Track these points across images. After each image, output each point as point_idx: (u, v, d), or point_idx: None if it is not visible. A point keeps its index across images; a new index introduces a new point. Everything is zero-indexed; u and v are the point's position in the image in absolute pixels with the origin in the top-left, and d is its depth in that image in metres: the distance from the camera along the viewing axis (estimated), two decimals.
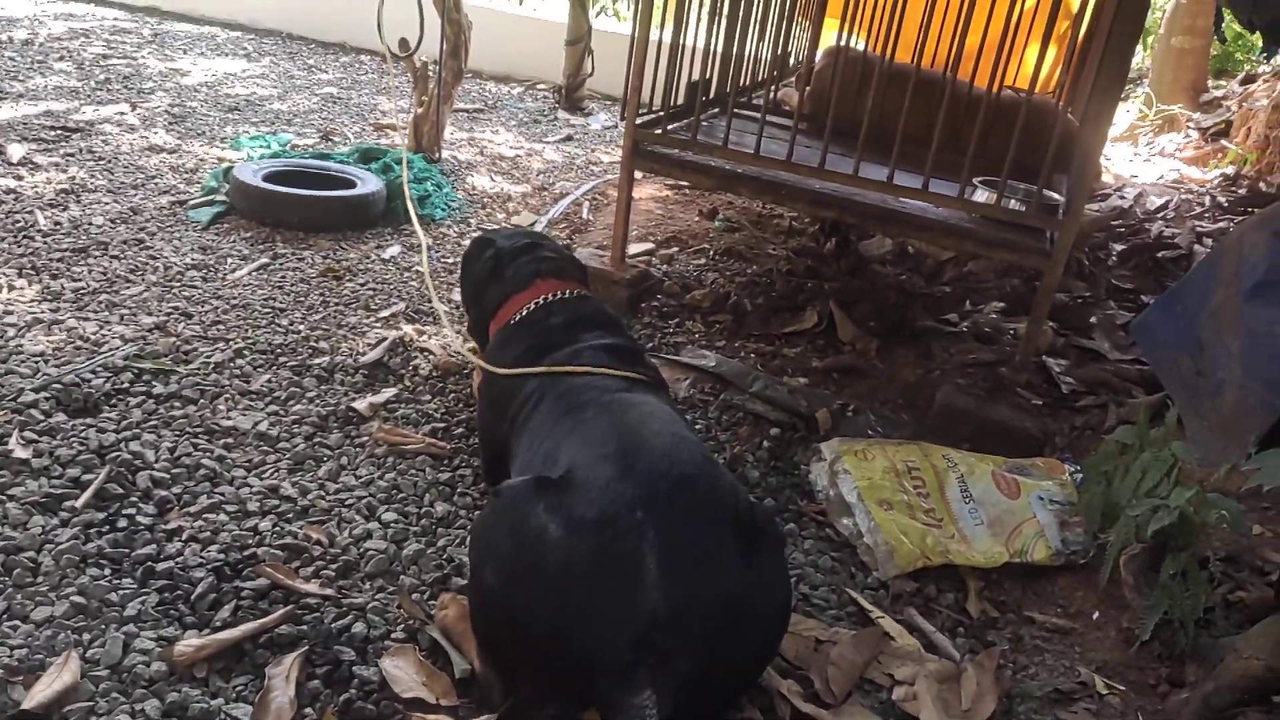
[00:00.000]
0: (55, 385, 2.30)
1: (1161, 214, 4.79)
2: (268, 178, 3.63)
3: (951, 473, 2.36)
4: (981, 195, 2.90)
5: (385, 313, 3.04)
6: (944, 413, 2.71)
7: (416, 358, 2.77)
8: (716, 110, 3.76)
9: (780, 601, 1.63)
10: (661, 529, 1.49)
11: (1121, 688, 1.91)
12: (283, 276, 3.19)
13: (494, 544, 1.59)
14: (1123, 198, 5.10)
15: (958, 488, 2.32)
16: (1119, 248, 4.23)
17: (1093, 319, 3.41)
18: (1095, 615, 2.11)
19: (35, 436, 2.13)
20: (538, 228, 4.03)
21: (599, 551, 1.47)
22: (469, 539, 1.74)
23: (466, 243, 3.72)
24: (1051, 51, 4.44)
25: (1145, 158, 6.42)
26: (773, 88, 4.11)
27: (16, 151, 3.86)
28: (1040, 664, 1.98)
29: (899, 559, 2.14)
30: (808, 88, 3.69)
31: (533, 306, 2.23)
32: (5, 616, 1.66)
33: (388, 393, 2.57)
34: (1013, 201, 2.86)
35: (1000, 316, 3.40)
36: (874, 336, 3.20)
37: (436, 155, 4.62)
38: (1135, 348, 3.24)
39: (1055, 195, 3.03)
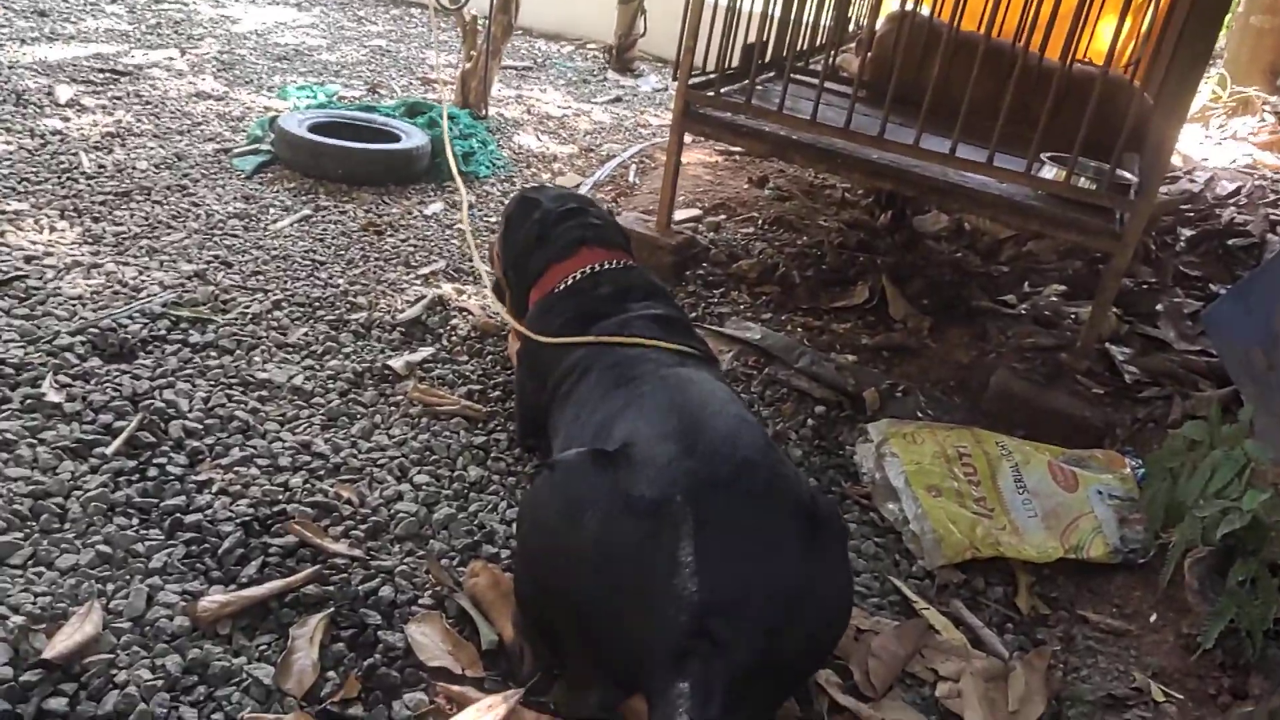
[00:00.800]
0: (92, 329, 2.28)
1: (1233, 200, 4.58)
2: (313, 128, 3.58)
3: (1005, 461, 2.26)
4: (1049, 172, 2.76)
5: (425, 270, 2.98)
6: (999, 397, 2.60)
7: (455, 317, 2.71)
8: (772, 74, 3.63)
9: (841, 596, 1.56)
10: (722, 514, 1.43)
11: (1179, 696, 1.81)
12: (324, 229, 3.14)
13: (546, 517, 1.53)
14: (1193, 181, 4.89)
15: (1011, 477, 2.22)
16: (1187, 233, 4.05)
17: (1159, 306, 3.26)
18: (1153, 618, 2.00)
19: (69, 380, 2.10)
20: (583, 190, 3.94)
21: (657, 532, 1.41)
22: (519, 509, 1.68)
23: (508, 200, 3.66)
24: (1128, 24, 4.24)
25: (1217, 141, 6.16)
26: (832, 53, 3.97)
27: (65, 93, 3.84)
28: (1093, 666, 1.89)
29: (946, 549, 2.05)
30: (869, 54, 3.54)
31: (578, 275, 2.15)
32: (30, 563, 1.63)
33: (424, 352, 2.51)
34: (1083, 179, 2.72)
35: (1061, 300, 3.27)
36: (927, 315, 3.08)
37: (483, 112, 4.53)
38: (1203, 338, 3.09)
39: (1127, 175, 2.88)
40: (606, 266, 2.17)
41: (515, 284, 2.36)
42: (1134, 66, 3.96)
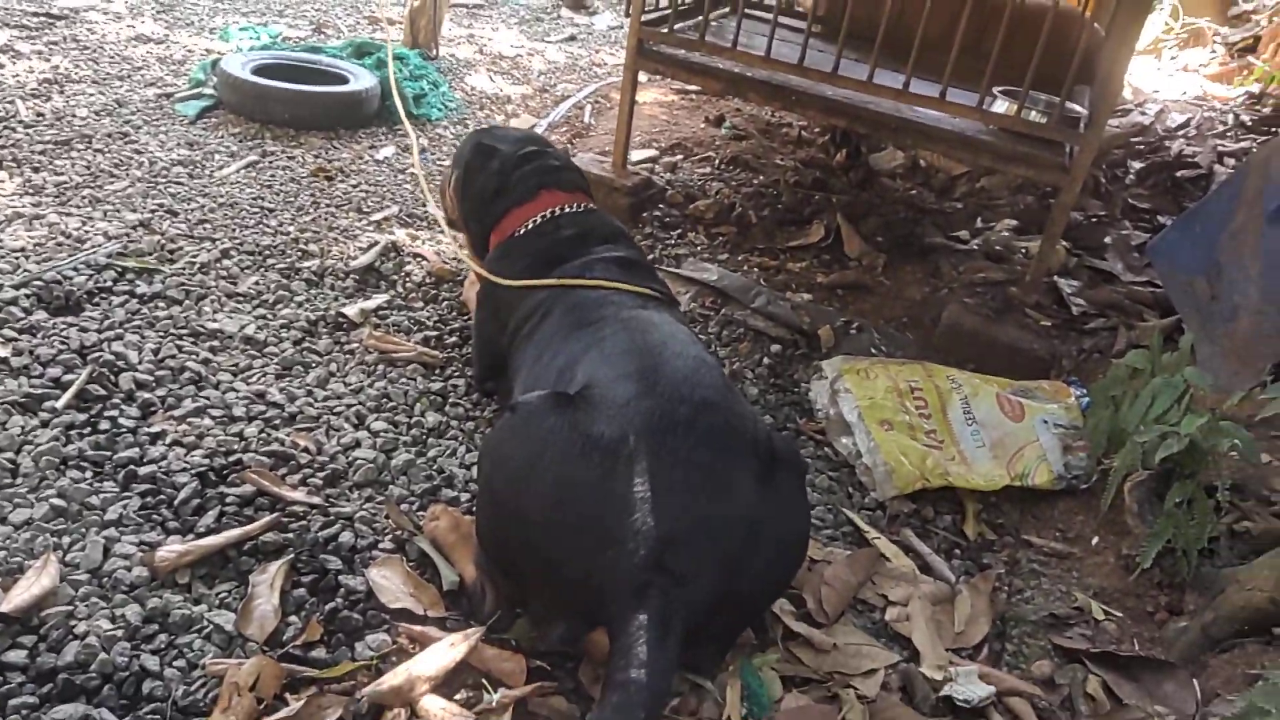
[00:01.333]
0: (36, 282, 2.23)
1: (1183, 132, 4.63)
2: (257, 71, 3.49)
3: (955, 393, 2.31)
4: (1001, 106, 2.77)
5: (378, 216, 2.94)
6: (950, 332, 2.65)
7: (409, 263, 2.69)
8: (727, 10, 3.59)
9: (798, 530, 1.60)
10: (679, 452, 1.46)
11: (1118, 614, 1.89)
12: (272, 175, 3.08)
13: (508, 458, 1.55)
14: (1143, 114, 4.93)
15: (960, 409, 2.27)
16: (1137, 166, 4.09)
17: (1107, 239, 3.31)
18: (1095, 541, 2.08)
19: (15, 335, 2.06)
20: (538, 130, 3.89)
21: (616, 470, 1.43)
22: (480, 451, 1.69)
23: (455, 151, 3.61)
24: None
25: (1168, 73, 6.19)
26: None
27: None
28: (1036, 588, 1.96)
29: (898, 480, 2.10)
30: None
31: (539, 220, 2.15)
32: None
33: (379, 299, 2.50)
34: (1033, 113, 2.74)
35: (1012, 235, 3.30)
36: (881, 252, 3.11)
37: (434, 52, 4.44)
38: (1149, 269, 3.15)
39: (1077, 108, 2.90)
40: (567, 210, 2.16)
41: (475, 229, 2.34)
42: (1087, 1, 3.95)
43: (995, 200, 3.63)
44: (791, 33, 3.26)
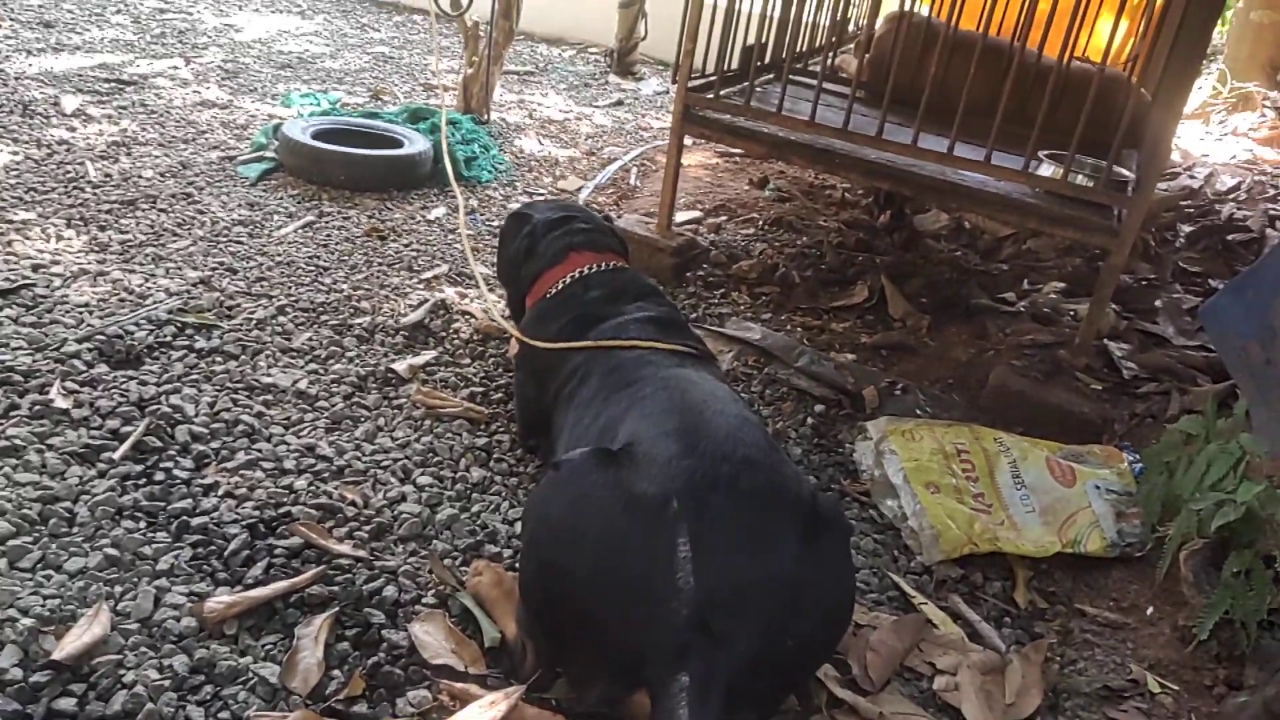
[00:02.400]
0: (98, 336, 2.31)
1: (1233, 195, 4.59)
2: (316, 135, 3.62)
3: (1003, 457, 2.28)
4: (1047, 169, 2.78)
5: (428, 274, 3.01)
6: (997, 394, 2.62)
7: (457, 321, 2.74)
8: (771, 76, 3.65)
9: (842, 594, 1.57)
10: (722, 511, 1.45)
11: (1175, 687, 1.83)
12: (327, 235, 3.17)
13: (551, 515, 1.55)
14: (1192, 177, 4.90)
15: (1009, 473, 2.24)
16: (1187, 229, 4.06)
17: (1157, 302, 3.28)
18: (1150, 611, 2.02)
19: (76, 387, 2.13)
20: (584, 193, 3.97)
21: (658, 529, 1.43)
22: (524, 508, 1.70)
23: (512, 205, 3.68)
24: (1125, 23, 4.25)
25: (1217, 137, 6.16)
26: (830, 54, 3.99)
27: (71, 103, 3.88)
28: (1090, 659, 1.90)
29: (944, 544, 2.07)
30: (867, 54, 3.57)
31: (568, 280, 2.20)
32: (39, 566, 1.66)
33: (427, 355, 2.54)
34: (1080, 176, 2.74)
35: (1060, 297, 3.28)
36: (926, 313, 3.10)
37: (485, 117, 4.56)
38: (1201, 333, 3.10)
39: (1124, 171, 2.89)
40: (595, 269, 2.21)
41: (511, 295, 2.44)
42: (1132, 63, 3.97)
43: (1042, 262, 3.62)
44: (835, 98, 3.31)
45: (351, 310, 2.70)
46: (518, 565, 1.82)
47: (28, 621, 1.53)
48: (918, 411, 2.59)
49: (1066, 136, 2.69)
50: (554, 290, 2.20)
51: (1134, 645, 1.95)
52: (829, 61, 3.29)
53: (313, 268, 2.91)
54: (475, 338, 2.68)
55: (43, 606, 1.57)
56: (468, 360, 2.57)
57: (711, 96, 3.09)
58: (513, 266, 2.39)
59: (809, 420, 2.53)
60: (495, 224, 3.50)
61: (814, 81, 3.11)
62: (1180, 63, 2.93)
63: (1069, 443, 2.40)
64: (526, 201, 2.73)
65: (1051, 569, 2.13)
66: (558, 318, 2.12)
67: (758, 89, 3.21)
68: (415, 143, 3.76)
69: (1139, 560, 2.15)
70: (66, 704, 1.43)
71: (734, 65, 3.36)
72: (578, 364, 1.98)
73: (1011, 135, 2.74)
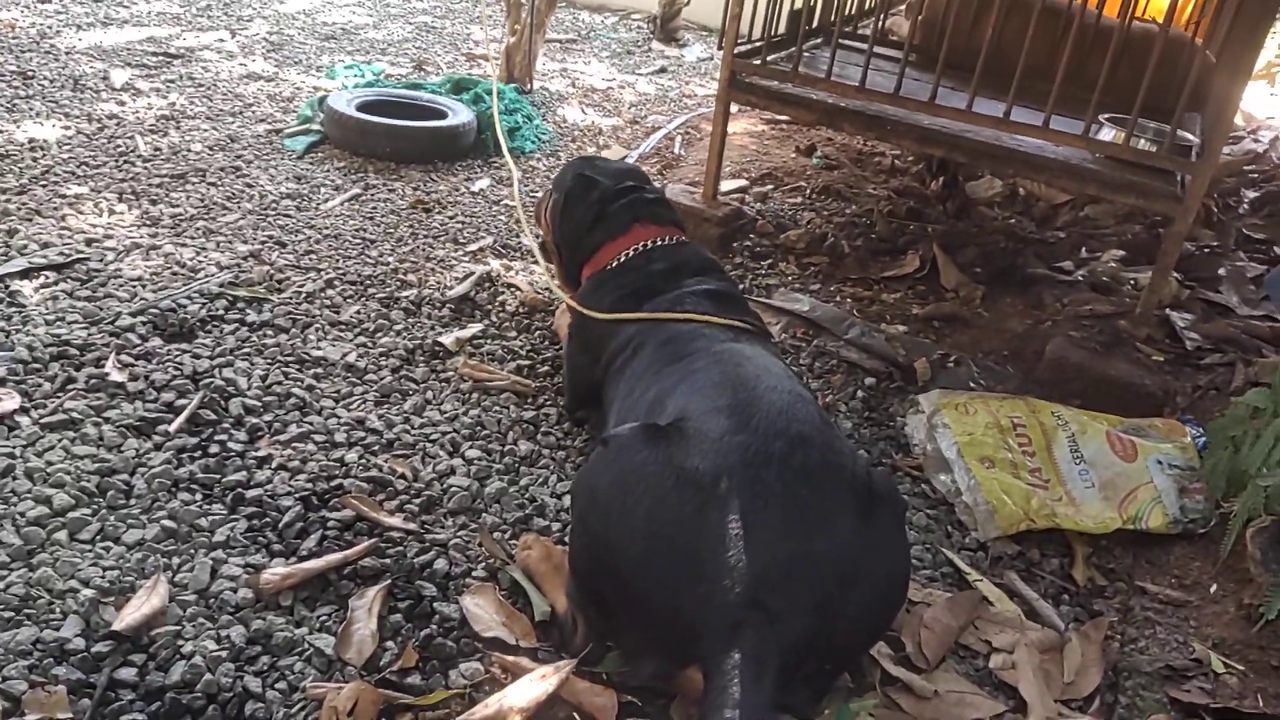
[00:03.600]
0: (152, 310, 2.34)
1: None
2: (361, 107, 3.61)
3: (1061, 431, 2.22)
4: (1107, 134, 2.69)
5: (473, 246, 3.00)
6: (1055, 366, 2.56)
7: (503, 293, 2.73)
8: (819, 40, 3.58)
9: (897, 571, 1.54)
10: (775, 488, 1.43)
11: (1240, 667, 1.78)
12: (373, 207, 3.17)
13: (600, 491, 1.54)
14: (1257, 141, 4.73)
15: (1067, 447, 2.19)
16: (1251, 194, 3.92)
17: (1221, 270, 3.17)
18: (1214, 589, 1.96)
19: (131, 360, 2.16)
20: (628, 162, 3.92)
21: (710, 505, 1.41)
22: (573, 483, 1.69)
23: (555, 175, 3.66)
24: None
25: None
26: (881, 16, 3.89)
27: (120, 77, 3.91)
28: (1151, 637, 1.86)
29: (1000, 520, 2.02)
30: (919, 16, 3.47)
31: (631, 253, 2.17)
32: (98, 537, 1.69)
33: (474, 328, 2.54)
34: (1142, 141, 2.64)
35: (1119, 265, 3.19)
36: (979, 283, 3.03)
37: (528, 86, 4.53)
38: (1267, 302, 3.01)
39: (1188, 136, 2.79)
40: (658, 243, 2.18)
41: (568, 259, 2.37)
42: (1195, 24, 3.82)
43: (1100, 229, 3.52)
44: (886, 62, 3.23)
45: (398, 283, 2.70)
46: (567, 539, 1.82)
47: (88, 592, 1.56)
48: (971, 384, 2.54)
49: (1127, 99, 2.59)
50: (616, 262, 2.18)
51: (1197, 624, 1.90)
52: (879, 24, 3.21)
53: (359, 240, 2.92)
54: (521, 310, 2.67)
55: (102, 578, 1.60)
56: (514, 333, 2.56)
57: (758, 62, 3.03)
58: (576, 232, 2.32)
59: (859, 393, 2.49)
60: (538, 195, 3.48)
61: (864, 45, 3.04)
62: (1246, 22, 2.81)
63: (1129, 416, 2.34)
64: (584, 157, 2.65)
65: (1111, 545, 2.08)
66: (616, 289, 2.10)
67: (806, 54, 3.14)
68: (459, 114, 3.75)
69: (1202, 537, 2.09)
70: (127, 674, 1.45)
71: (781, 30, 3.29)
72: (631, 335, 1.96)
73: (1070, 98, 2.66)
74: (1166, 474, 2.14)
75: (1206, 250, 3.37)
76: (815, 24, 3.38)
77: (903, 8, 4.45)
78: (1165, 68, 2.66)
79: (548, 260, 2.50)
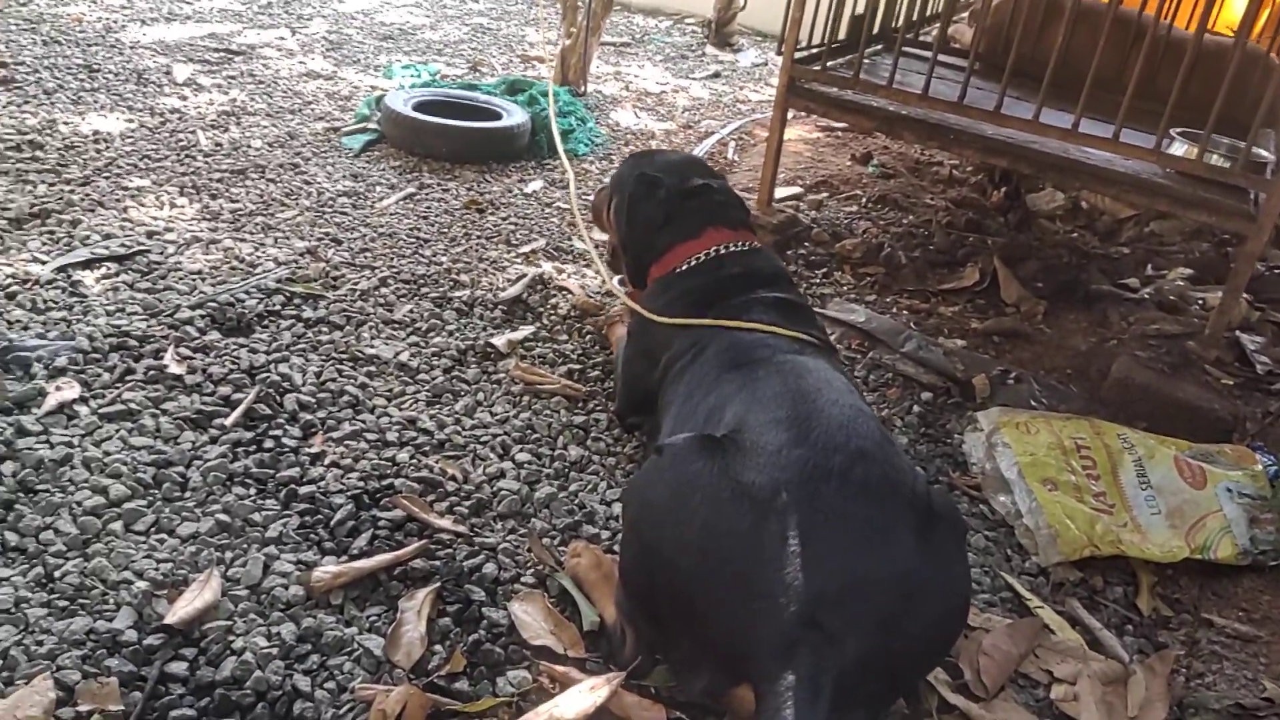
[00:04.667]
0: (211, 303, 2.35)
1: None
2: (417, 107, 3.63)
3: (1127, 454, 2.15)
4: (1179, 148, 2.61)
5: (526, 248, 2.99)
6: (1120, 386, 2.48)
7: (555, 296, 2.72)
8: (881, 47, 3.52)
9: (958, 592, 1.50)
10: (833, 504, 1.39)
11: None
12: (428, 207, 3.18)
13: (654, 502, 1.51)
14: None
15: (1134, 471, 2.12)
16: None
17: None
18: None
19: (190, 353, 2.17)
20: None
21: (766, 520, 1.38)
22: (626, 492, 1.67)
23: (608, 179, 3.65)
24: None
25: None
26: (944, 23, 3.83)
27: (182, 72, 3.97)
28: (1219, 673, 1.79)
29: (1063, 545, 1.96)
30: (984, 23, 3.40)
31: (703, 257, 2.13)
32: (153, 529, 1.69)
33: (525, 330, 2.52)
34: (1215, 157, 2.57)
35: (1186, 284, 3.10)
36: (1041, 298, 2.96)
37: (582, 89, 4.53)
38: None
39: (1263, 152, 2.70)
40: (731, 249, 2.13)
41: (633, 259, 2.30)
42: (1272, 38, 3.71)
43: (1167, 246, 3.42)
44: (950, 70, 3.17)
45: (451, 283, 2.70)
46: (617, 548, 1.79)
47: (142, 585, 1.56)
48: (1032, 403, 2.48)
49: (1199, 114, 2.52)
50: (686, 265, 2.13)
51: (1267, 660, 1.83)
52: (943, 31, 3.15)
53: (413, 239, 2.93)
54: (573, 314, 2.65)
55: (156, 570, 1.60)
56: (565, 336, 2.55)
57: (818, 68, 2.99)
58: (643, 232, 2.25)
59: (915, 408, 2.44)
60: (590, 199, 3.46)
61: (927, 53, 2.99)
62: None
63: (1197, 441, 2.26)
64: (642, 153, 2.55)
65: (1177, 575, 2.01)
66: (684, 294, 2.06)
67: (866, 61, 3.09)
68: (513, 115, 3.75)
69: (1272, 569, 2.01)
70: (178, 668, 1.45)
71: (841, 36, 3.25)
72: (695, 338, 1.93)
73: (1140, 111, 2.58)
74: (1236, 502, 2.07)
75: (1277, 271, 3.27)
76: (877, 30, 3.32)
77: (966, 15, 4.37)
78: (1239, 82, 2.58)
79: (612, 263, 2.46)
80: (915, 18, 3.64)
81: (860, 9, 3.20)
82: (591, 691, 1.49)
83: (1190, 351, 2.57)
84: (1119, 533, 1.99)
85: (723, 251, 2.12)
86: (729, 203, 2.27)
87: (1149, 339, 2.67)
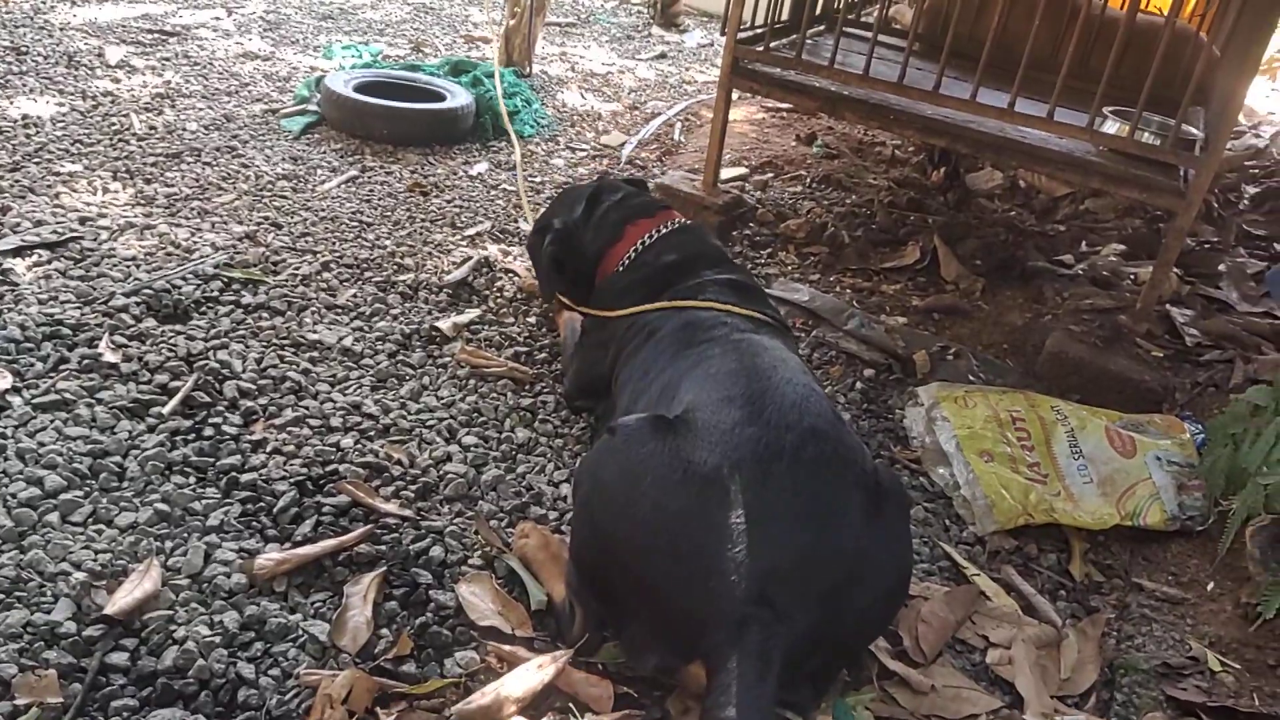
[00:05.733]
0: (146, 290, 2.31)
1: None
2: (358, 88, 3.58)
3: (1060, 425, 2.21)
4: (1112, 127, 2.67)
5: (471, 231, 2.97)
6: (1054, 360, 2.55)
7: (501, 279, 2.71)
8: (823, 27, 3.55)
9: (901, 567, 1.54)
10: (784, 482, 1.42)
11: (1237, 666, 1.78)
12: (371, 190, 3.14)
13: (606, 482, 1.53)
14: (1258, 136, 4.72)
15: (1066, 442, 2.18)
16: (1252, 190, 3.91)
17: (1221, 266, 3.16)
18: (1211, 586, 1.96)
19: (125, 341, 2.13)
20: (627, 149, 3.90)
21: (717, 499, 1.40)
22: (578, 472, 1.67)
23: (555, 160, 3.64)
24: None
25: None
26: (885, 3, 3.86)
27: (115, 54, 3.87)
28: (1148, 635, 1.85)
29: (999, 514, 2.02)
30: (923, 4, 3.44)
31: (633, 253, 2.19)
32: (90, 520, 1.67)
33: (471, 313, 2.51)
34: (1146, 135, 2.63)
35: (1120, 260, 3.18)
36: (980, 276, 3.02)
37: (527, 70, 4.49)
38: (1267, 299, 3.00)
39: (1193, 130, 2.78)
40: (660, 231, 2.18)
41: (572, 293, 2.34)
42: (1201, 17, 3.80)
43: (1101, 223, 3.50)
44: (890, 50, 3.20)
45: (395, 267, 2.68)
46: (566, 528, 1.81)
47: (80, 576, 1.54)
48: (971, 377, 2.53)
49: (1131, 92, 2.58)
50: (621, 266, 2.19)
51: (1194, 621, 1.90)
52: (884, 12, 3.18)
53: (356, 223, 2.89)
54: (519, 296, 2.65)
55: (94, 561, 1.58)
56: (511, 319, 2.54)
57: (761, 49, 3.00)
58: (557, 274, 2.32)
59: (858, 385, 2.48)
60: (540, 180, 3.46)
61: (868, 33, 3.01)
62: (1252, 16, 2.79)
63: (1129, 412, 2.33)
64: (541, 218, 2.52)
65: (1108, 541, 2.08)
66: (631, 287, 2.11)
67: (809, 41, 3.11)
68: (457, 96, 3.71)
69: (1200, 534, 2.09)
70: (119, 658, 1.44)
71: (784, 16, 3.27)
72: (648, 320, 1.96)
73: (1074, 91, 2.64)
74: (1165, 470, 2.14)
75: (1207, 246, 3.37)
76: (819, 10, 3.34)
77: None
78: (1170, 61, 2.64)
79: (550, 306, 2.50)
80: None
81: None
82: (539, 669, 1.50)
83: (1122, 325, 2.64)
84: (1052, 501, 2.05)
85: (650, 239, 2.17)
86: (641, 198, 2.35)
87: (1083, 313, 2.74)
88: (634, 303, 2.05)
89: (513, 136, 2.74)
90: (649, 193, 2.40)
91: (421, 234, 2.90)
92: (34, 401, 1.90)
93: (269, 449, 1.90)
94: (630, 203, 2.31)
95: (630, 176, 2.85)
